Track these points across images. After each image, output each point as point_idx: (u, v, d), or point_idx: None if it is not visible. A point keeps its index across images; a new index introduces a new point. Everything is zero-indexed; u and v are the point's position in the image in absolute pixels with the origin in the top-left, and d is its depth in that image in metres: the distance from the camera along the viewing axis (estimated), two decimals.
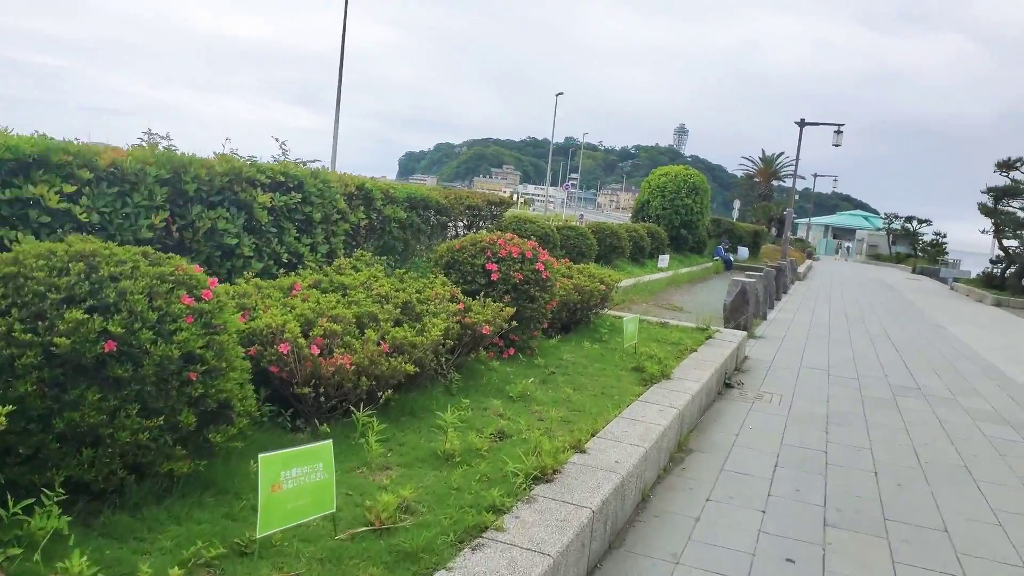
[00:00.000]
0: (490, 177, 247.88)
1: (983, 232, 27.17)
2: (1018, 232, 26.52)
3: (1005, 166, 26.39)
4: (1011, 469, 5.81)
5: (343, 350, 3.94)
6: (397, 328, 4.46)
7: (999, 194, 25.76)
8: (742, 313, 11.63)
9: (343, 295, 4.75)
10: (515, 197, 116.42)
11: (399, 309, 4.78)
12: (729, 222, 31.53)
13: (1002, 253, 26.59)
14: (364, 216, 7.11)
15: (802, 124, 28.99)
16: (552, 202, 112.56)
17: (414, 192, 8.09)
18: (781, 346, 10.90)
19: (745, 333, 9.74)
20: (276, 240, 5.97)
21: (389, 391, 4.20)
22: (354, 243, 7.14)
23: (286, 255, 6.02)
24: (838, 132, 28.58)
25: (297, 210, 6.21)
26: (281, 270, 5.85)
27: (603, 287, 8.17)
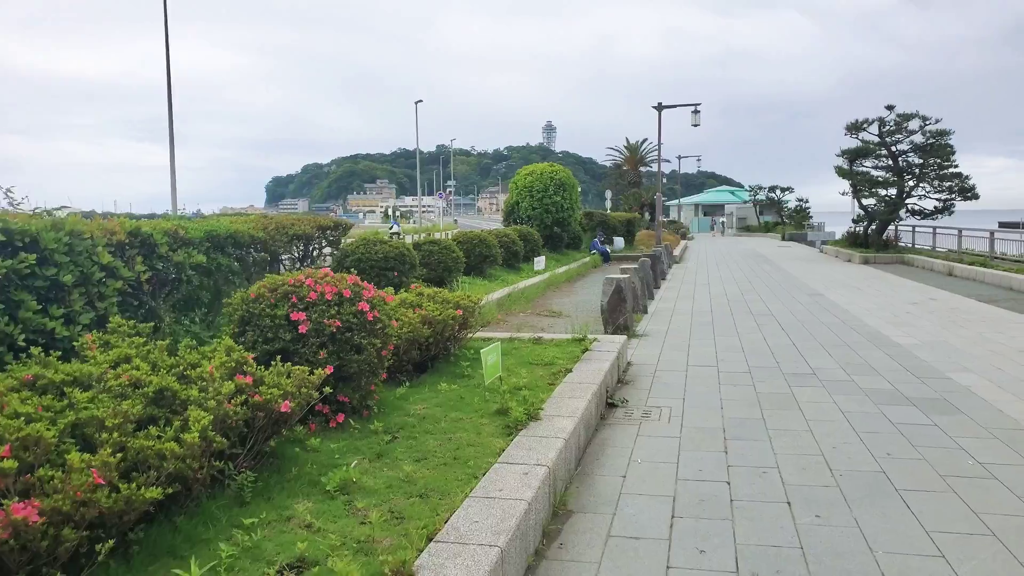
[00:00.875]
0: (364, 193, 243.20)
1: (843, 194, 27.93)
2: (873, 190, 27.38)
3: (854, 128, 27.15)
4: (930, 466, 5.08)
5: (17, 497, 2.62)
6: (138, 435, 3.18)
7: (853, 155, 26.47)
8: (620, 313, 10.81)
9: (59, 396, 3.40)
10: (391, 211, 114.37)
11: (148, 402, 3.48)
12: (602, 214, 31.20)
13: (862, 212, 27.38)
14: (144, 268, 5.69)
15: (660, 108, 28.98)
16: (431, 211, 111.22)
17: (216, 228, 6.71)
18: (665, 342, 10.12)
19: (625, 337, 8.86)
20: (6, 318, 4.51)
21: (122, 535, 2.91)
22: (137, 303, 5.72)
23: (24, 336, 4.57)
24: (695, 112, 28.74)
25: (36, 274, 4.76)
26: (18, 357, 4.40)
27: (460, 312, 7.05)
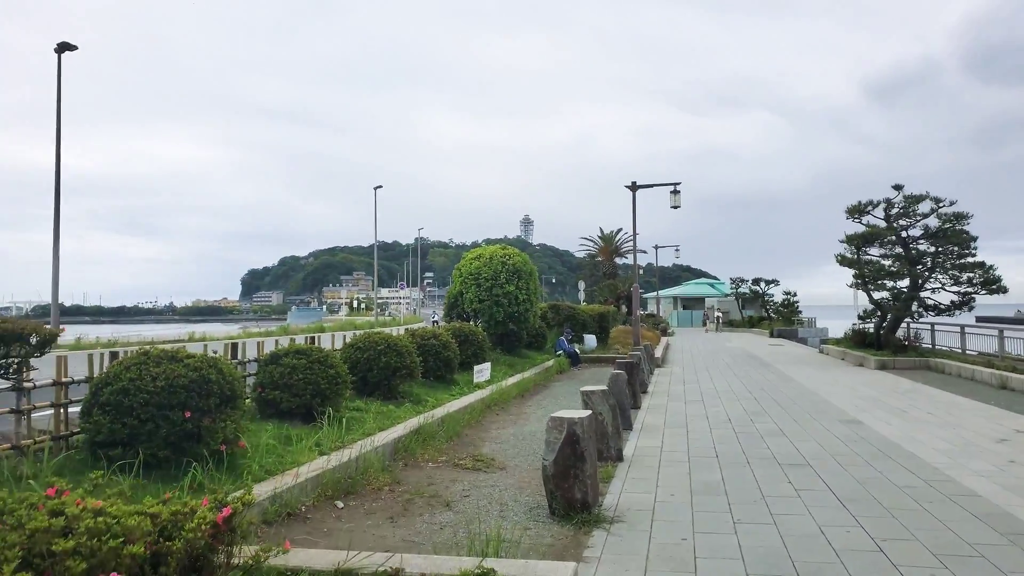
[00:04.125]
0: (340, 285, 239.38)
1: (850, 286, 24.11)
2: (880, 282, 23.52)
3: (857, 211, 23.57)
4: None
5: None
6: None
7: (860, 242, 22.71)
8: (575, 480, 6.43)
9: None
10: (354, 303, 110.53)
11: None
12: (569, 307, 26.92)
13: (873, 306, 23.45)
14: None
15: (634, 188, 25.38)
16: (407, 301, 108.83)
17: None
18: (651, 547, 5.68)
19: (573, 569, 4.42)
20: None
21: None
22: None
23: None
24: (675, 192, 25.12)
25: None
26: None
27: None
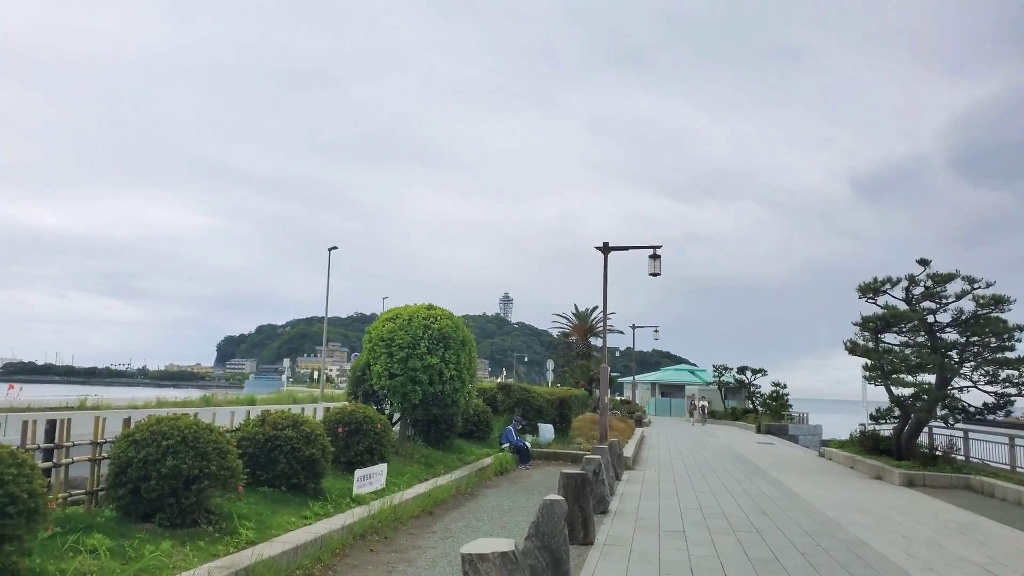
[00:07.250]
0: (315, 356, 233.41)
1: (867, 378, 19.99)
2: (899, 376, 19.40)
3: (871, 290, 19.73)
4: None
5: None
6: None
7: (879, 325, 18.73)
8: None
9: None
10: (315, 375, 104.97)
11: None
12: (523, 389, 22.40)
13: (891, 405, 19.29)
14: None
15: (606, 250, 21.46)
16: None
17: None
18: None
19: None
20: None
21: None
22: None
23: None
24: (654, 257, 21.15)
25: None
26: None
27: None
